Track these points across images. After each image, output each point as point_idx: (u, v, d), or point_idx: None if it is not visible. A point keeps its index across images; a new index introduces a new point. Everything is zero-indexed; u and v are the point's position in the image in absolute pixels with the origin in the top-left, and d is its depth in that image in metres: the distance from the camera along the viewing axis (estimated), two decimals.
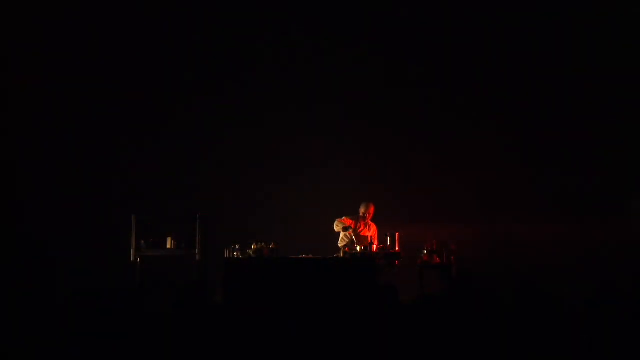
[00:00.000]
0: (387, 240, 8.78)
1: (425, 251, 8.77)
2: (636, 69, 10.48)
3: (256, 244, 8.61)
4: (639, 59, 10.49)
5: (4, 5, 10.63)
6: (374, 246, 8.70)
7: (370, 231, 9.18)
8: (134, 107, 10.94)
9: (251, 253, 8.58)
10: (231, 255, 8.56)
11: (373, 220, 9.25)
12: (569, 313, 4.44)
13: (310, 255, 8.87)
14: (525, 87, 10.85)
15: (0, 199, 10.58)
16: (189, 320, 4.50)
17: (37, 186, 10.69)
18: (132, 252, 8.88)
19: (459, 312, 4.53)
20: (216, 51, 11.02)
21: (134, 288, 7.66)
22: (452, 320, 4.45)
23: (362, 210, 9.19)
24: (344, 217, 9.18)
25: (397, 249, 8.71)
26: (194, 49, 10.99)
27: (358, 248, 8.73)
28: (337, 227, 9.14)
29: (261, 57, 11.02)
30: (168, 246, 8.97)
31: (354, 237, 8.98)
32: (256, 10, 10.92)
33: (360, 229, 9.15)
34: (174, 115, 11.03)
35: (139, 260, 8.89)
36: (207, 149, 10.99)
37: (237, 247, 8.61)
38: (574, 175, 10.66)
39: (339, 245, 9.08)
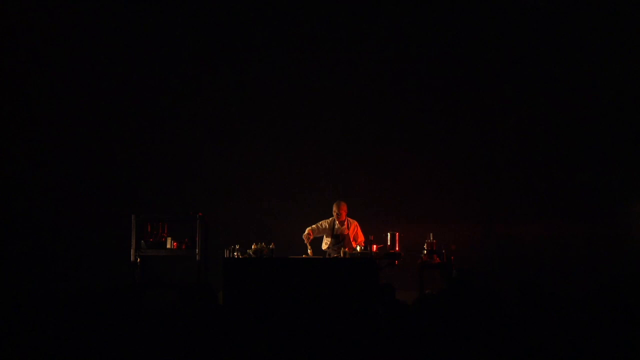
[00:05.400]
0: (387, 240, 8.77)
1: (425, 251, 8.75)
2: (635, 69, 10.49)
3: (256, 244, 8.60)
4: (638, 60, 10.50)
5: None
6: (374, 246, 8.68)
7: (350, 228, 9.13)
8: (135, 107, 10.96)
9: (251, 253, 8.57)
10: (231, 255, 8.55)
11: (351, 216, 9.20)
12: (569, 313, 4.45)
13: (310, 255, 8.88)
14: (526, 88, 10.86)
15: (1, 199, 10.59)
16: (188, 321, 4.50)
17: (38, 186, 10.70)
18: (132, 252, 8.88)
19: (459, 312, 4.53)
20: (218, 53, 11.03)
21: (134, 288, 7.66)
22: (452, 320, 4.45)
23: (334, 210, 9.13)
24: (308, 229, 9.07)
25: (397, 249, 8.70)
26: (196, 49, 11.00)
27: (341, 251, 8.68)
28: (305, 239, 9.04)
29: (260, 60, 11.04)
30: (168, 246, 8.95)
31: (307, 244, 8.88)
32: (255, 13, 10.94)
33: (339, 229, 9.10)
34: (174, 116, 11.05)
35: (139, 260, 8.89)
36: (207, 149, 11.01)
37: (237, 247, 8.60)
38: (574, 176, 10.67)
39: (323, 249, 9.09)
